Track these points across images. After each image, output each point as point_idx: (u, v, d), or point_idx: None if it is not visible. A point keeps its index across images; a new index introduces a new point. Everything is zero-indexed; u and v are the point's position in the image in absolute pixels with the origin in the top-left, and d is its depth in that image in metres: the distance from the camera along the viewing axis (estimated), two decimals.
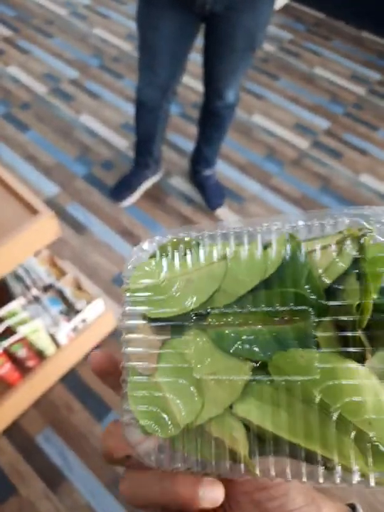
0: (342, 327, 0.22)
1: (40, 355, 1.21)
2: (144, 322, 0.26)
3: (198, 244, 0.26)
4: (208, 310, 0.24)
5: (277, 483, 0.24)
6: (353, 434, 0.20)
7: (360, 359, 0.21)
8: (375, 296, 0.21)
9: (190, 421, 0.23)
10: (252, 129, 2.19)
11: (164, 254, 0.27)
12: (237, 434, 0.22)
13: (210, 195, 1.83)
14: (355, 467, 0.20)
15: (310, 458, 0.21)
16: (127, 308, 0.26)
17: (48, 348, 1.19)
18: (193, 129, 1.92)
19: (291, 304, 0.23)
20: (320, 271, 0.23)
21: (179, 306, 0.25)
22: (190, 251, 0.26)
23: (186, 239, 0.27)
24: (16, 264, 0.92)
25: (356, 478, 0.20)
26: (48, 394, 1.31)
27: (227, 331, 0.24)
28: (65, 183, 1.88)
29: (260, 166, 2.03)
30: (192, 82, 2.33)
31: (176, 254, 0.26)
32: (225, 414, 0.23)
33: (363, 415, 0.20)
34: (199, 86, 2.18)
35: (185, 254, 0.26)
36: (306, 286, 0.23)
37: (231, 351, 0.23)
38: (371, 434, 0.20)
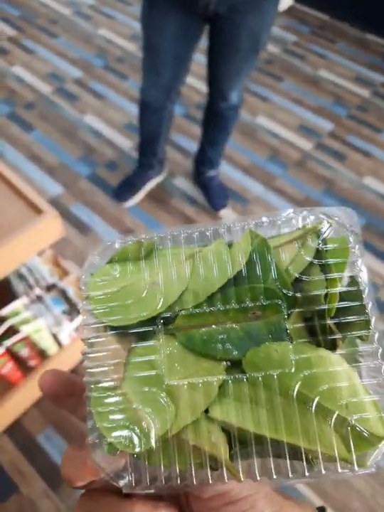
0: (308, 318, 0.23)
1: (42, 355, 1.22)
2: (106, 331, 0.24)
3: (156, 247, 0.26)
4: (177, 312, 0.24)
5: (244, 496, 0.24)
6: (332, 421, 0.21)
7: (330, 347, 0.22)
8: (339, 285, 0.23)
9: (165, 431, 0.22)
10: (256, 131, 2.19)
11: (123, 258, 0.26)
12: (215, 438, 0.22)
13: (214, 196, 1.83)
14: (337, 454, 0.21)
15: (293, 454, 0.21)
16: (86, 317, 0.24)
17: (51, 347, 1.19)
18: (197, 130, 1.92)
19: (262, 298, 0.23)
20: (286, 264, 0.24)
21: (145, 310, 0.23)
22: (149, 254, 0.26)
23: (145, 242, 0.26)
24: (20, 263, 0.92)
25: (340, 465, 0.21)
26: None
27: (197, 333, 0.23)
28: (68, 183, 1.89)
29: (264, 167, 2.03)
30: (196, 83, 2.34)
31: (137, 258, 0.25)
32: (201, 419, 0.22)
33: (339, 400, 0.21)
34: (203, 87, 2.19)
35: (146, 258, 0.25)
36: (274, 279, 0.23)
37: (203, 352, 0.23)
38: (349, 418, 0.20)
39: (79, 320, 1.20)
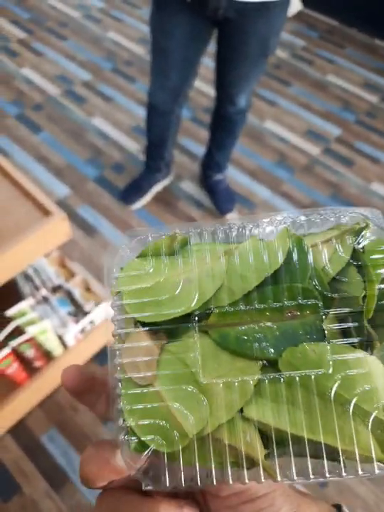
0: (342, 318, 0.23)
1: (47, 356, 1.22)
2: (137, 327, 0.23)
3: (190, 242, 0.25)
4: (211, 309, 0.23)
5: (263, 494, 0.24)
6: (369, 423, 0.21)
7: (365, 348, 0.22)
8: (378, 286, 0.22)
9: (199, 429, 0.21)
10: (264, 135, 2.19)
11: (156, 253, 0.25)
12: (250, 438, 0.21)
13: (221, 199, 1.83)
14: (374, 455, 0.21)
15: (329, 454, 0.21)
16: (117, 312, 0.24)
17: (56, 349, 1.20)
18: (204, 134, 1.92)
19: (299, 298, 0.23)
20: (323, 264, 0.23)
21: (180, 306, 0.23)
22: (183, 249, 0.25)
23: (179, 236, 0.25)
24: (27, 264, 0.92)
25: (377, 466, 0.21)
26: (54, 394, 1.32)
27: (232, 331, 0.23)
28: (76, 185, 1.89)
29: (271, 171, 2.03)
30: (204, 87, 2.34)
31: (170, 252, 0.25)
32: (236, 418, 0.21)
33: (376, 402, 0.21)
34: (211, 90, 2.19)
35: (180, 253, 0.25)
36: (312, 279, 0.23)
37: (238, 351, 0.22)
38: None
39: (85, 321, 1.20)
